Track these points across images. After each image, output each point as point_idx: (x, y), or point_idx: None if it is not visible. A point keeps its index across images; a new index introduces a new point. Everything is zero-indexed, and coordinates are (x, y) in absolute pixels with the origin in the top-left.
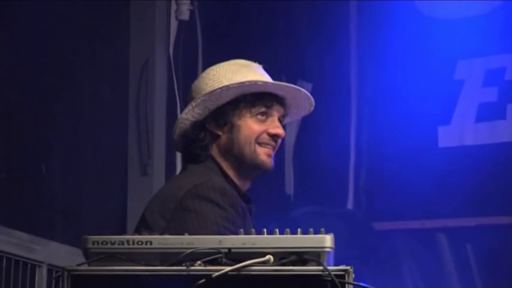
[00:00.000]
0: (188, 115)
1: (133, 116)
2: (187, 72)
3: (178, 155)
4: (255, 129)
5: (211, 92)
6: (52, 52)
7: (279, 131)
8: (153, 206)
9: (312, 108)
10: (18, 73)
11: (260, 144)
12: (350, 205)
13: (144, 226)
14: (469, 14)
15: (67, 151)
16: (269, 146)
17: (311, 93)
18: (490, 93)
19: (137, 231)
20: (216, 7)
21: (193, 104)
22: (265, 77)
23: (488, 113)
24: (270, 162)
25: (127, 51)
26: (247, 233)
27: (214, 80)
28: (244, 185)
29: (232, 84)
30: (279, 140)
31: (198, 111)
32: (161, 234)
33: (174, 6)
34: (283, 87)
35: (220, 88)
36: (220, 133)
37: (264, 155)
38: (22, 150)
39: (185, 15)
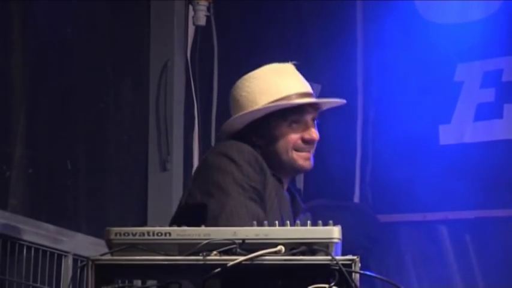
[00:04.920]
0: (229, 125)
1: (153, 115)
2: (203, 73)
3: (196, 152)
4: (291, 137)
5: (245, 113)
6: (77, 55)
7: (313, 135)
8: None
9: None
10: (45, 74)
11: (297, 150)
12: (356, 199)
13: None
14: (468, 20)
15: (91, 148)
16: (306, 150)
17: (320, 94)
18: (487, 94)
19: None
20: (230, 14)
21: (232, 118)
22: (298, 80)
23: (486, 112)
24: (309, 164)
25: (148, 54)
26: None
27: (248, 92)
28: (284, 183)
29: (263, 108)
30: (316, 142)
31: (236, 125)
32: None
33: (191, 13)
34: (311, 103)
35: (251, 111)
36: (258, 143)
37: (301, 159)
38: (49, 147)
39: (202, 21)
